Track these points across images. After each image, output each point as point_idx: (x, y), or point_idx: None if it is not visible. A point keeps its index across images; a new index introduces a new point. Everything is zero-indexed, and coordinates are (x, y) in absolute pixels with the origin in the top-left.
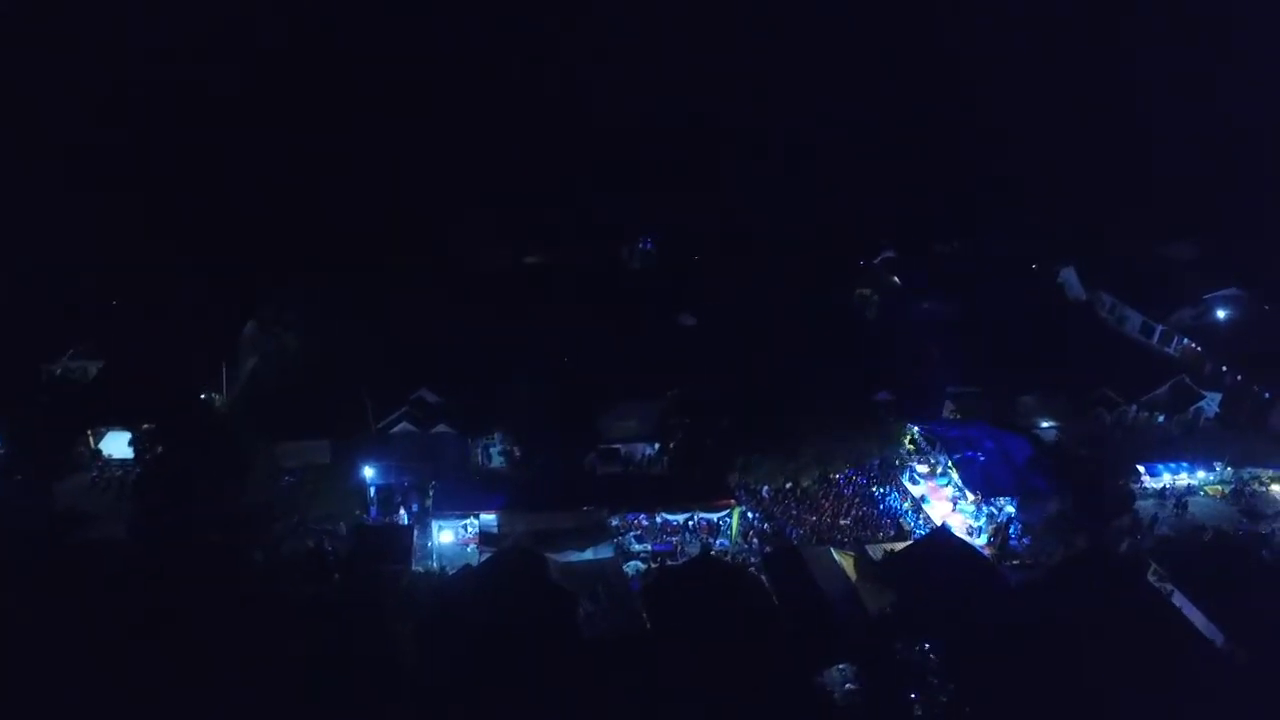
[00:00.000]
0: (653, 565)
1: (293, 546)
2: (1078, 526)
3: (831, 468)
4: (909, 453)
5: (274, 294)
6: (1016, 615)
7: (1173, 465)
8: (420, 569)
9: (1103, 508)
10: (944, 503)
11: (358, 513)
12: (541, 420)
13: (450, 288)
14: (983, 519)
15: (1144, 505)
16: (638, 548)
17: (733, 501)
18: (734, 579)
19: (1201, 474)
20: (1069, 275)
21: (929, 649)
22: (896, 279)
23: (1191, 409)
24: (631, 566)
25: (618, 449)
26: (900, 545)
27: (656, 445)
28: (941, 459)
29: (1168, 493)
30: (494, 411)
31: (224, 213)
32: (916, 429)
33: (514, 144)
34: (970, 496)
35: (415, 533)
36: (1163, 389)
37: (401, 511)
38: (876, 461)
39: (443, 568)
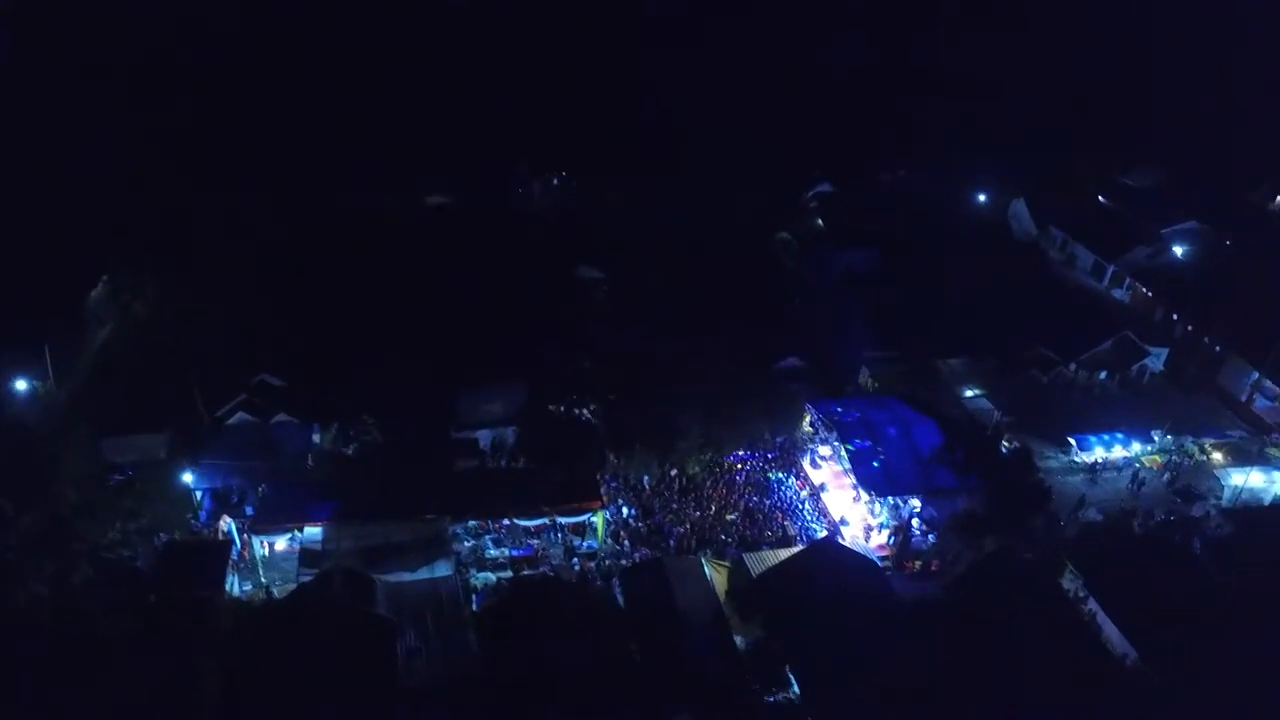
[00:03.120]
0: (503, 579)
1: (102, 565)
2: (986, 528)
3: (723, 452)
4: (808, 435)
5: (129, 252)
6: (905, 643)
7: (1105, 437)
8: (249, 588)
9: (1014, 507)
10: (846, 491)
11: (189, 517)
12: (391, 406)
13: (334, 240)
14: (884, 514)
15: (1073, 481)
16: (494, 553)
17: (597, 504)
18: (583, 603)
19: (1137, 446)
20: (1019, 208)
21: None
22: (820, 221)
23: (1135, 366)
24: (481, 578)
25: (475, 439)
26: (785, 553)
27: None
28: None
29: (1099, 466)
30: (342, 396)
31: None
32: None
33: (418, 67)
34: (864, 498)
35: (242, 545)
36: (1105, 345)
37: (225, 521)
38: (780, 440)
39: (268, 586)
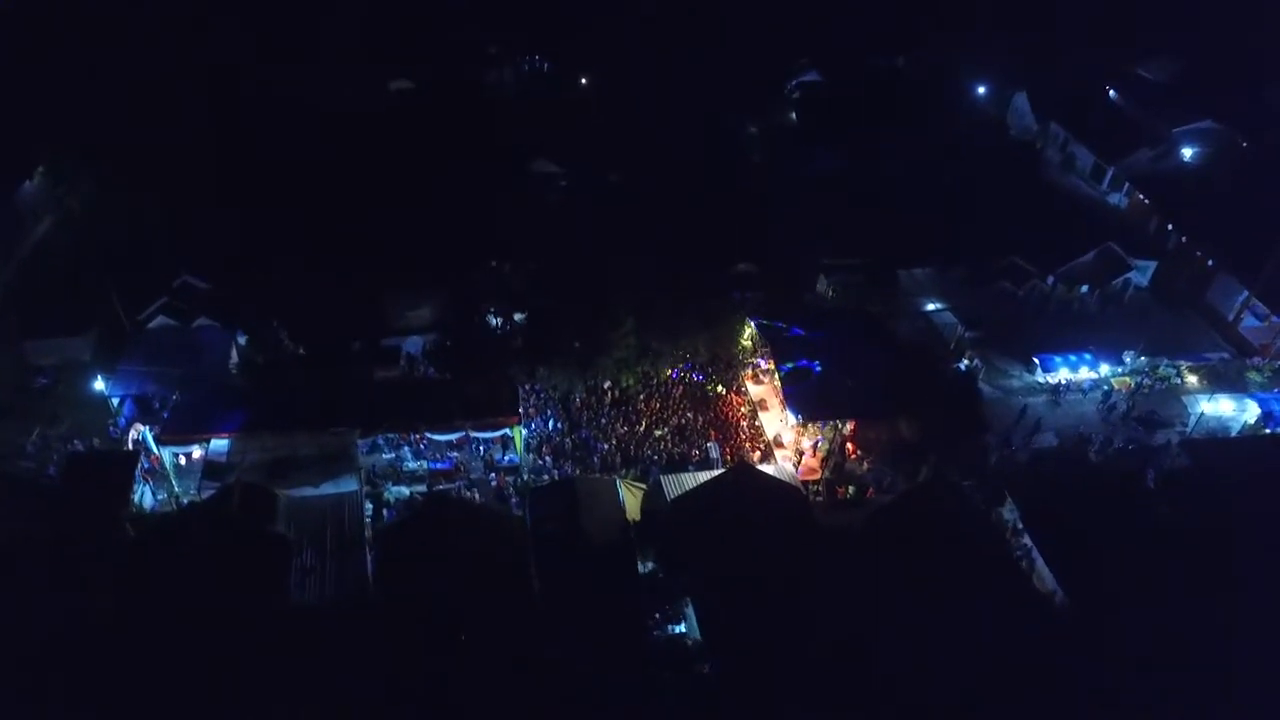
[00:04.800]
0: (417, 494)
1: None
2: (922, 455)
3: (660, 363)
4: (747, 350)
5: (67, 140)
6: (816, 578)
7: (1072, 357)
8: (162, 498)
9: (953, 433)
10: (784, 410)
11: (109, 424)
12: (311, 310)
13: (282, 127)
14: (818, 436)
15: (1034, 403)
16: (412, 465)
17: (514, 419)
18: (487, 524)
19: (1106, 367)
20: (1020, 102)
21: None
22: (794, 115)
23: (1118, 280)
24: (395, 492)
25: (398, 346)
26: (705, 476)
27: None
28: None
29: (1063, 388)
30: (262, 299)
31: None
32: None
33: None
34: (791, 420)
35: (151, 454)
36: (1086, 257)
37: (138, 429)
38: (720, 354)
39: (179, 496)
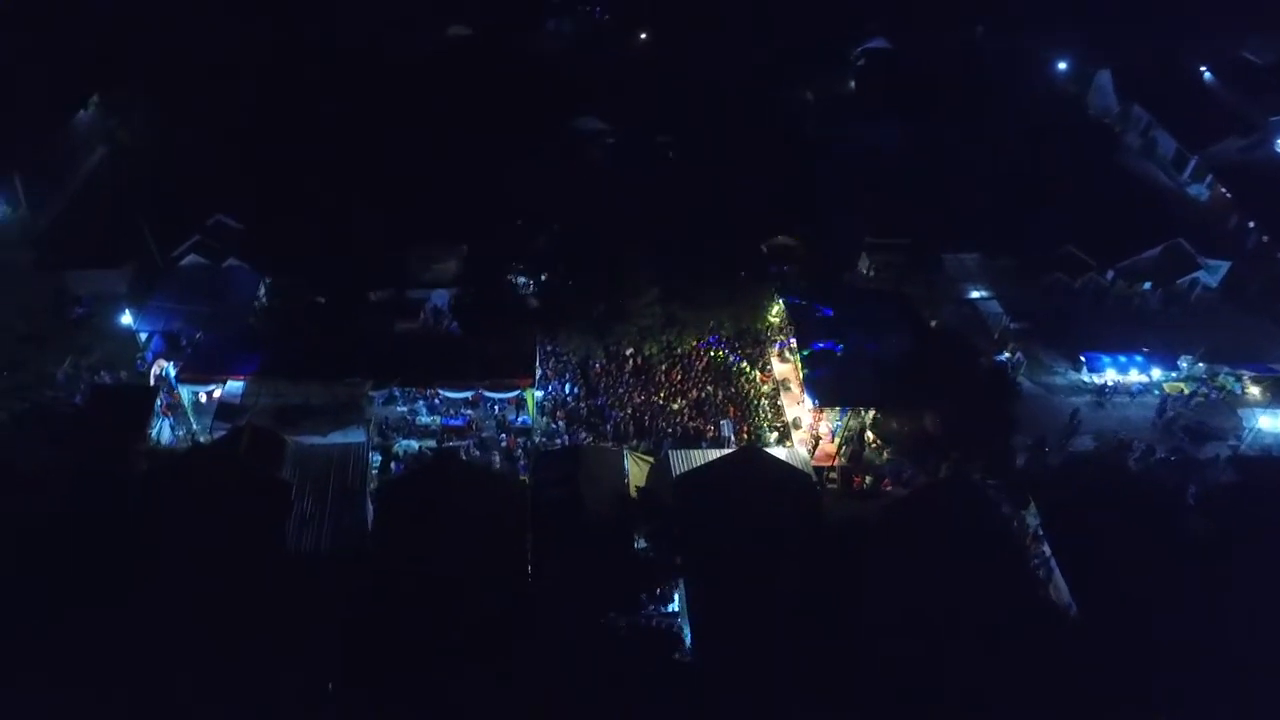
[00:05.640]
0: (426, 449)
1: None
2: (942, 451)
3: (686, 334)
4: (774, 326)
5: (121, 71)
6: (815, 571)
7: (1121, 359)
8: (180, 434)
9: (979, 430)
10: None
11: (137, 357)
12: (334, 258)
13: (335, 71)
14: (836, 422)
15: (1077, 403)
16: (425, 420)
17: (527, 382)
18: (490, 488)
19: (1158, 372)
20: (1103, 80)
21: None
22: (854, 84)
23: (1185, 279)
24: (404, 445)
25: (422, 300)
26: (715, 454)
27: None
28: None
29: (1109, 390)
30: (288, 243)
31: None
32: (782, 300)
33: None
34: (808, 404)
35: (173, 391)
36: (1152, 252)
37: (160, 365)
38: (745, 328)
39: (195, 434)
